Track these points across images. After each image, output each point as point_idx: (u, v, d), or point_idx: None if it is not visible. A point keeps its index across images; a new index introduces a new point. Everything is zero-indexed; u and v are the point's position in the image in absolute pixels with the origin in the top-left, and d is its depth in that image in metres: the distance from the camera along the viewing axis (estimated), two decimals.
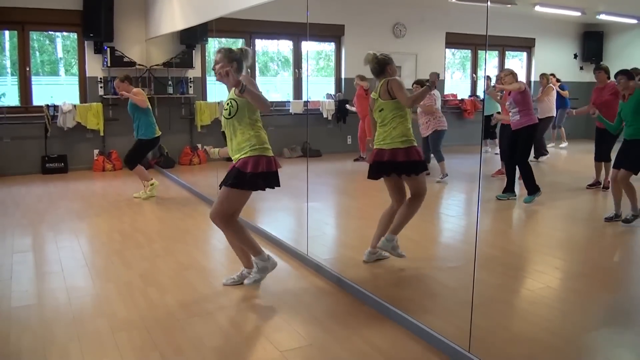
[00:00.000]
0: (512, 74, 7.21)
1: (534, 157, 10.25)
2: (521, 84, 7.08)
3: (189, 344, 3.38)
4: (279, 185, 4.00)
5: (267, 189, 3.99)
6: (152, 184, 7.21)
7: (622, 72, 6.23)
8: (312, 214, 5.83)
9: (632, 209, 6.10)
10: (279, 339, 3.48)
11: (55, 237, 5.66)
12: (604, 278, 4.77)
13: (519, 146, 7.10)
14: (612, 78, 7.94)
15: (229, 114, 3.88)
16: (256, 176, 3.83)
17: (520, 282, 4.64)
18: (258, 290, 4.19)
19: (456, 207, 7.32)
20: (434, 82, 4.57)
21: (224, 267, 4.90)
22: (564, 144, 12.38)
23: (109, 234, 5.76)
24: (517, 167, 7.15)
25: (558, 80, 11.74)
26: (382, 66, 4.61)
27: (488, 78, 11.46)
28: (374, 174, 4.65)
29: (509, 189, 7.26)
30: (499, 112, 8.90)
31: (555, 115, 10.79)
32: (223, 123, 4.00)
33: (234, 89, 3.78)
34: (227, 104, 3.89)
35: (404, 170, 4.52)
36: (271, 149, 3.98)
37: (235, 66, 3.90)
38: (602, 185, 7.93)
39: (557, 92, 11.03)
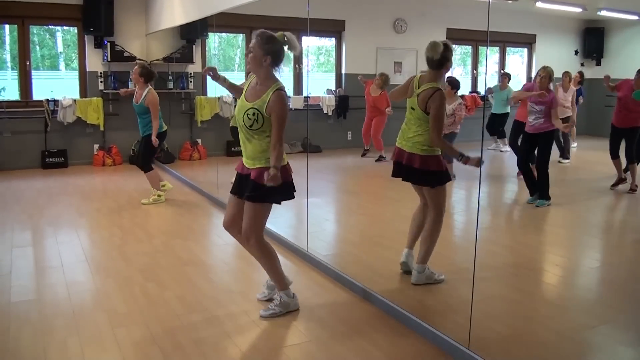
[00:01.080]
0: (549, 78, 6.76)
1: (562, 158, 10.09)
2: (549, 95, 6.68)
3: (188, 339, 3.38)
4: (293, 197, 3.68)
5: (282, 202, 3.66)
6: (159, 195, 6.98)
7: None
8: (312, 210, 5.83)
9: None
10: (278, 335, 3.48)
11: (55, 231, 5.66)
12: (605, 275, 4.78)
13: (540, 151, 6.88)
14: (613, 76, 7.93)
15: (250, 126, 3.49)
16: (274, 188, 3.42)
17: (521, 280, 4.63)
18: (258, 286, 4.18)
19: (459, 205, 7.31)
20: (470, 164, 4.00)
21: (224, 262, 4.90)
22: (574, 144, 12.25)
23: (108, 229, 5.75)
24: (536, 169, 6.90)
25: (581, 83, 10.79)
26: (442, 61, 4.08)
27: (505, 75, 11.31)
28: (395, 173, 4.36)
29: (543, 196, 6.91)
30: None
31: (571, 114, 10.58)
32: (239, 125, 3.58)
33: (264, 100, 3.45)
34: (253, 114, 3.46)
35: (418, 178, 4.22)
36: (286, 156, 3.66)
37: (269, 61, 3.46)
38: (629, 189, 7.71)
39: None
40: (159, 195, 6.89)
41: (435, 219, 4.27)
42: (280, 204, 3.63)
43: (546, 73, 6.73)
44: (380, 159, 10.05)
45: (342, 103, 11.46)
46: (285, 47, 3.54)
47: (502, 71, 12.31)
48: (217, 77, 3.86)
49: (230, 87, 3.95)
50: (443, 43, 4.07)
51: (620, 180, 7.88)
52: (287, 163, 3.65)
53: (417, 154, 4.16)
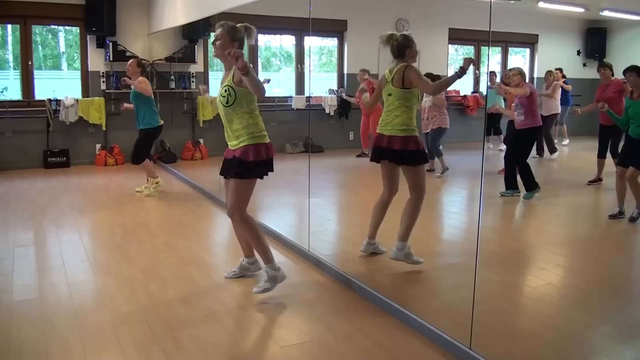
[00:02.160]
0: (521, 74, 7.20)
1: (537, 155, 10.23)
2: (527, 89, 7.00)
3: (190, 338, 3.38)
4: (272, 171, 3.92)
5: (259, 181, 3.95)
6: (157, 182, 7.12)
7: (632, 69, 6.12)
8: (314, 210, 5.83)
9: (637, 207, 6.09)
10: (279, 335, 3.48)
11: (57, 231, 5.66)
12: (606, 275, 4.76)
13: (520, 146, 7.12)
14: (617, 75, 7.97)
15: (227, 102, 3.77)
16: (258, 164, 3.79)
17: (522, 279, 4.63)
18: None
19: (458, 204, 7.32)
20: (465, 68, 4.23)
21: (226, 262, 4.89)
22: (566, 141, 12.38)
23: (110, 229, 5.76)
24: (516, 164, 7.15)
25: (564, 76, 11.68)
26: (401, 48, 4.45)
27: (492, 73, 11.43)
28: (373, 157, 4.66)
29: (511, 186, 7.26)
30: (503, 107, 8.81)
31: (560, 112, 10.75)
32: (219, 109, 3.89)
33: (231, 75, 3.74)
34: (225, 90, 3.77)
35: (398, 158, 4.45)
36: (267, 134, 3.91)
37: (237, 46, 3.78)
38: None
39: (562, 87, 10.96)
40: (157, 182, 7.03)
41: (417, 199, 4.50)
42: (262, 178, 3.89)
43: (515, 71, 7.25)
44: (362, 154, 10.11)
45: (344, 103, 11.46)
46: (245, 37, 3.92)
47: (489, 70, 12.47)
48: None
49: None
50: (402, 34, 4.50)
51: (598, 180, 8.08)
52: (270, 142, 3.91)
53: (397, 135, 4.42)
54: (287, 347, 3.31)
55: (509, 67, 13.18)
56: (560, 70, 11.77)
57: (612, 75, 7.92)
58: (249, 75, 3.47)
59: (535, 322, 3.79)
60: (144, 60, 9.26)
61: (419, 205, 4.51)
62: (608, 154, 7.98)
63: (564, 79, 11.61)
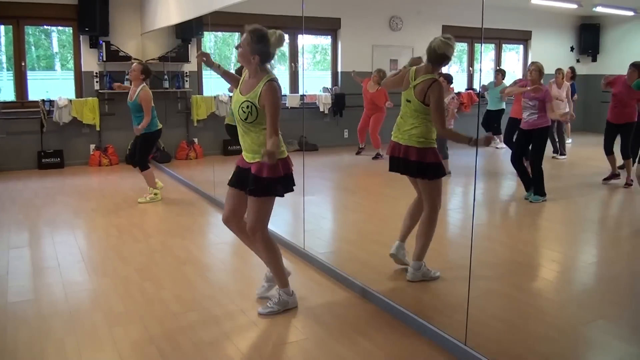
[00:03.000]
0: (540, 71, 6.80)
1: (560, 154, 10.15)
2: (542, 89, 6.74)
3: (186, 338, 3.38)
4: (294, 186, 3.71)
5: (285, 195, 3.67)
6: (155, 194, 6.99)
7: (635, 65, 6.02)
8: (309, 208, 5.81)
9: None
10: (275, 333, 3.48)
11: (52, 232, 5.65)
12: (602, 271, 4.79)
13: (534, 147, 6.90)
14: (615, 70, 7.89)
15: (246, 119, 3.51)
16: (274, 181, 3.53)
17: (518, 275, 4.64)
18: (254, 283, 4.18)
19: (456, 202, 7.32)
20: (481, 145, 3.90)
21: (221, 261, 4.90)
22: (569, 140, 12.30)
23: (105, 229, 5.75)
24: (530, 165, 6.96)
25: (573, 77, 11.04)
26: (443, 58, 4.10)
27: (499, 71, 11.30)
28: (391, 167, 4.40)
29: (537, 192, 6.95)
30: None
31: (568, 110, 10.64)
32: (236, 119, 3.61)
33: (256, 92, 3.46)
34: (247, 106, 3.48)
35: (415, 171, 4.20)
36: (285, 149, 3.69)
37: (258, 60, 3.48)
38: (625, 183, 7.78)
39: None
40: (155, 194, 6.91)
41: (430, 215, 4.26)
42: (282, 196, 3.64)
43: (535, 67, 6.80)
44: (377, 156, 10.05)
45: (339, 101, 11.46)
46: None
47: (497, 68, 12.30)
48: (211, 64, 3.92)
49: (225, 73, 4.00)
50: (445, 39, 4.09)
51: (614, 176, 7.95)
52: (287, 156, 3.67)
53: (413, 146, 4.16)
54: (283, 346, 3.32)
55: (502, 65, 13.24)
56: (571, 69, 11.44)
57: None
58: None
59: (531, 318, 3.81)
60: (136, 59, 9.26)
61: (433, 221, 4.27)
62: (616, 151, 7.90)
63: (572, 81, 11.27)
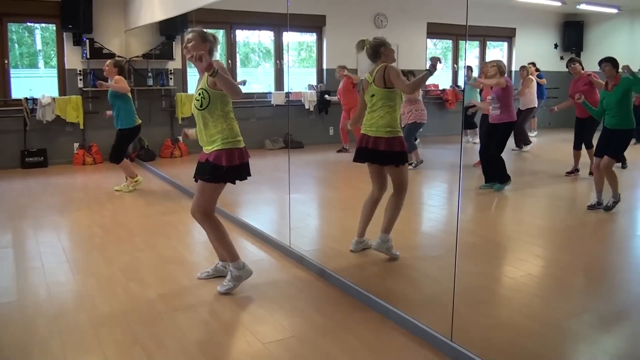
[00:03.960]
0: (498, 67, 7.23)
1: (516, 147, 10.39)
2: (502, 81, 7.09)
3: (171, 337, 3.36)
4: (250, 175, 3.98)
5: (237, 181, 3.96)
6: (136, 181, 7.10)
7: (608, 60, 6.19)
8: (295, 206, 5.81)
9: (612, 196, 6.20)
10: (261, 331, 3.47)
11: (36, 232, 5.61)
12: (585, 265, 4.83)
13: (495, 141, 7.23)
14: (592, 68, 8.09)
15: (201, 106, 3.76)
16: (231, 169, 3.80)
17: (502, 270, 4.67)
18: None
19: (437, 197, 7.36)
20: (435, 65, 4.40)
21: (207, 260, 4.87)
22: (535, 133, 12.60)
23: (89, 229, 5.71)
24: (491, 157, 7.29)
25: (537, 70, 11.84)
26: (375, 49, 4.54)
27: (469, 68, 11.53)
28: (357, 158, 4.72)
29: (490, 179, 7.34)
30: (479, 101, 8.91)
31: (537, 105, 10.86)
32: (194, 113, 3.88)
33: (205, 77, 3.72)
34: (199, 94, 3.77)
35: (384, 159, 4.53)
36: (242, 139, 3.92)
37: (207, 47, 3.80)
38: (589, 172, 7.95)
39: (536, 81, 11.09)
40: (135, 181, 7.02)
41: (400, 195, 4.64)
42: (234, 183, 3.92)
43: (494, 63, 7.30)
44: (342, 150, 10.13)
45: (324, 98, 11.45)
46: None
47: (466, 65, 12.58)
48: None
49: None
50: (362, 40, 4.61)
51: (575, 170, 8.25)
52: (244, 147, 3.91)
53: (382, 137, 4.48)
54: (269, 344, 3.32)
55: (487, 60, 13.33)
56: (534, 64, 11.87)
57: (582, 69, 8.05)
58: (218, 76, 3.51)
59: (515, 312, 3.84)
60: (120, 57, 9.20)
61: (401, 199, 4.64)
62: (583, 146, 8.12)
63: (538, 73, 11.75)
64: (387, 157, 4.51)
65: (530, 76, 10.53)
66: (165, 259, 4.78)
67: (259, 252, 4.93)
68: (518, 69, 11.18)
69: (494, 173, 7.32)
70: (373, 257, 4.66)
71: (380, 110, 4.49)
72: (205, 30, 3.88)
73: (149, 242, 5.25)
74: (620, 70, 6.37)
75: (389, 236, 4.62)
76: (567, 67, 8.18)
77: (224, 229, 4.04)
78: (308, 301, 3.93)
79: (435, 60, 4.38)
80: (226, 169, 3.77)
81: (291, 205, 5.44)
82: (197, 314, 3.71)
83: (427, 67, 4.39)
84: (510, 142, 9.76)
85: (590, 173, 7.86)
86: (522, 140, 10.55)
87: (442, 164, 8.73)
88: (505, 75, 7.26)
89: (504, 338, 3.41)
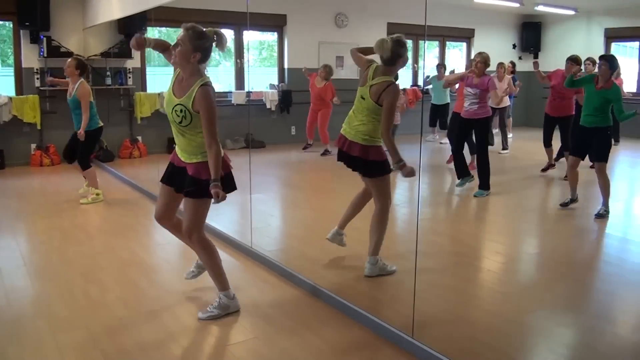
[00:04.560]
0: (485, 63, 6.91)
1: (502, 149, 10.43)
2: (485, 79, 6.86)
3: (132, 341, 3.33)
4: (236, 188, 3.63)
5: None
6: (97, 194, 6.87)
7: (606, 58, 6.02)
8: (256, 206, 5.81)
9: (603, 204, 6.11)
10: (223, 333, 3.46)
11: None
12: (545, 261, 4.93)
13: (477, 139, 7.11)
14: (544, 68, 8.24)
15: (180, 122, 3.41)
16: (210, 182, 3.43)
17: (462, 267, 4.73)
18: (201, 285, 4.15)
19: (401, 196, 7.41)
20: (404, 173, 4.05)
21: (167, 262, 4.84)
22: (510, 135, 12.61)
23: (47, 232, 5.61)
24: (476, 157, 7.18)
25: (513, 72, 11.69)
26: (395, 57, 4.11)
27: (441, 66, 11.58)
28: (339, 157, 4.43)
29: (465, 174, 7.30)
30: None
31: (510, 104, 10.96)
32: (170, 120, 3.51)
33: (191, 97, 3.34)
34: (180, 111, 3.37)
35: (356, 165, 4.29)
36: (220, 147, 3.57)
37: (198, 57, 3.39)
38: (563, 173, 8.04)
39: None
40: (97, 194, 6.79)
41: (381, 210, 4.31)
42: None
43: (482, 58, 6.90)
44: (325, 152, 10.10)
45: (285, 98, 11.45)
46: (214, 44, 3.52)
47: (438, 63, 12.58)
48: (144, 44, 3.69)
49: (157, 45, 3.75)
50: (395, 39, 4.11)
51: (550, 166, 8.31)
52: (225, 154, 3.56)
53: (357, 142, 4.21)
54: (232, 346, 3.31)
55: (446, 62, 13.47)
56: (513, 64, 11.90)
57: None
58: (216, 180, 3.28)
59: (476, 309, 3.91)
60: (79, 55, 9.05)
61: (384, 217, 4.32)
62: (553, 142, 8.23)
63: (512, 75, 11.73)
64: (359, 164, 4.25)
65: (507, 75, 10.52)
66: (125, 261, 4.73)
67: (220, 253, 4.87)
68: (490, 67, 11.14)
69: (466, 167, 7.28)
70: (336, 257, 4.68)
71: (364, 118, 4.19)
72: (202, 33, 3.43)
73: (108, 245, 5.18)
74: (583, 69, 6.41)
75: (377, 258, 4.33)
76: (566, 63, 8.01)
77: (218, 254, 3.74)
78: (270, 302, 3.93)
79: (409, 173, 4.05)
80: (206, 183, 3.38)
81: (253, 206, 5.43)
82: (158, 317, 3.67)
83: (401, 163, 4.04)
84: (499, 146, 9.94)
85: (565, 177, 7.94)
86: (504, 142, 10.57)
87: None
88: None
89: (464, 334, 3.47)
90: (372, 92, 4.14)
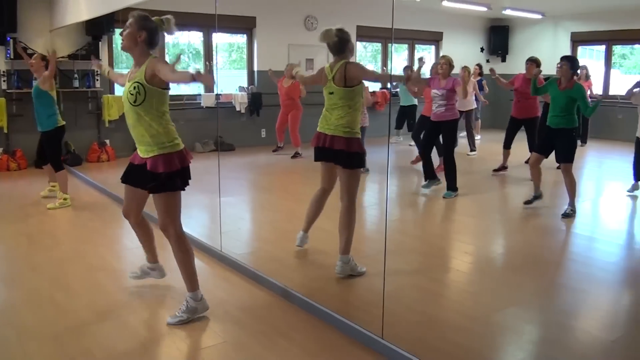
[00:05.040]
0: (450, 65, 7.06)
1: (470, 150, 10.55)
2: (450, 80, 6.99)
3: (100, 348, 3.30)
4: (190, 178, 3.67)
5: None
6: (65, 199, 6.80)
7: (567, 58, 6.16)
8: (226, 209, 5.79)
9: (570, 204, 6.24)
10: (193, 338, 3.45)
11: None
12: (513, 260, 5.01)
13: (444, 141, 7.19)
14: (511, 71, 8.41)
15: (135, 101, 3.42)
16: (172, 175, 3.50)
17: (431, 268, 4.78)
18: (171, 289, 4.13)
19: (370, 197, 7.45)
20: (408, 78, 4.47)
21: (136, 267, 4.78)
22: (478, 137, 12.78)
23: (14, 238, 5.52)
24: (443, 159, 7.31)
25: (481, 73, 11.98)
26: (343, 43, 4.30)
27: (408, 67, 11.65)
28: (317, 157, 4.54)
29: (432, 177, 7.39)
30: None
31: (476, 107, 11.10)
32: (126, 109, 3.54)
33: (142, 70, 3.42)
34: (133, 87, 3.42)
35: (338, 158, 4.36)
36: (180, 141, 3.63)
37: (145, 36, 3.48)
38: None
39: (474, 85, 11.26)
40: (65, 199, 6.71)
41: (349, 206, 4.38)
42: (183, 189, 3.63)
43: (446, 60, 7.05)
44: (295, 155, 10.11)
45: (255, 100, 11.42)
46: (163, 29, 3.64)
47: (405, 65, 12.65)
48: (100, 67, 3.99)
49: (115, 77, 4.03)
50: (337, 27, 4.31)
51: (503, 168, 8.51)
52: (184, 148, 3.64)
53: (340, 136, 4.32)
54: (201, 350, 3.30)
55: (414, 65, 13.55)
56: (480, 66, 12.10)
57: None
58: (197, 75, 3.24)
59: (445, 309, 3.96)
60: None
61: (352, 212, 4.39)
62: (513, 145, 8.43)
63: (480, 77, 11.95)
64: (342, 157, 4.33)
65: (472, 79, 10.66)
66: (93, 267, 4.68)
67: None
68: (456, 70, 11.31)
69: (434, 170, 7.37)
70: (306, 260, 4.70)
71: (340, 110, 4.30)
72: (147, 16, 3.59)
73: (76, 251, 5.12)
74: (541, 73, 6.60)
75: (349, 257, 4.38)
76: (526, 64, 8.18)
77: (193, 253, 3.75)
78: (240, 305, 3.92)
79: (408, 76, 4.47)
80: (165, 176, 3.46)
81: (222, 209, 5.41)
82: (126, 323, 3.65)
83: (407, 74, 4.43)
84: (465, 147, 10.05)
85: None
86: (471, 144, 10.70)
87: (373, 165, 8.82)
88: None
89: (434, 334, 3.51)
90: (336, 80, 4.29)
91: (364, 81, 4.39)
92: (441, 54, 14.17)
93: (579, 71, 9.48)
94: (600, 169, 10.09)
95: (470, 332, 3.55)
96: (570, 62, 6.13)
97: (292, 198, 7.57)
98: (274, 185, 8.46)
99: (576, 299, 4.18)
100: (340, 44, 4.31)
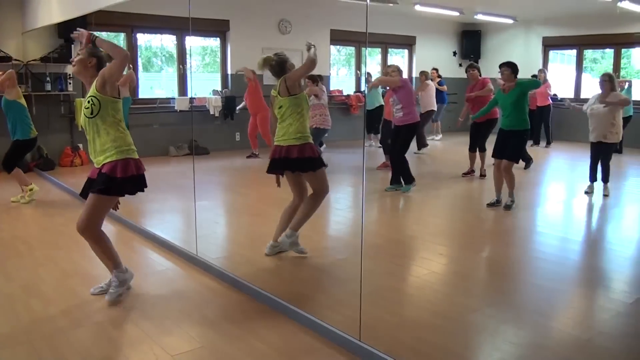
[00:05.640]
0: (398, 71, 7.42)
1: (417, 149, 10.77)
2: (396, 79, 7.29)
3: (76, 354, 3.26)
4: (146, 187, 3.95)
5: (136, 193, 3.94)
6: (31, 189, 6.83)
7: (507, 64, 6.53)
8: (201, 213, 5.77)
9: (509, 195, 6.59)
10: (169, 343, 3.43)
11: None
12: (485, 260, 5.07)
13: (399, 142, 7.47)
14: (489, 74, 8.63)
15: (91, 113, 3.70)
16: (126, 180, 3.74)
17: (407, 270, 4.82)
18: (146, 294, 4.11)
19: (343, 200, 7.48)
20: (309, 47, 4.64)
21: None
22: (439, 137, 13.17)
23: None
24: (391, 159, 7.68)
25: (439, 76, 12.38)
26: (282, 66, 4.69)
27: (369, 74, 11.90)
28: (271, 169, 4.79)
29: (396, 181, 7.59)
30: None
31: (435, 109, 11.38)
32: (84, 123, 3.81)
33: (94, 85, 3.69)
34: (88, 101, 3.70)
35: (297, 166, 4.63)
36: (135, 150, 3.89)
37: (94, 62, 3.81)
38: (479, 174, 8.67)
39: (436, 87, 11.67)
40: (30, 189, 6.80)
41: (319, 196, 4.76)
42: (134, 194, 3.90)
43: (395, 67, 7.47)
44: (252, 155, 10.16)
45: (229, 104, 11.39)
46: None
47: (365, 71, 12.91)
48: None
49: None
50: (268, 56, 4.73)
51: (471, 172, 8.73)
52: (138, 158, 3.88)
53: (293, 144, 4.60)
54: (178, 356, 3.28)
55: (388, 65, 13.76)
56: (436, 70, 12.48)
57: (480, 75, 8.51)
58: (98, 40, 3.66)
59: (420, 309, 3.99)
60: (17, 60, 8.84)
61: (318, 202, 4.77)
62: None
63: (439, 79, 12.30)
64: (300, 163, 4.61)
65: (427, 81, 11.01)
66: (67, 273, 4.63)
67: (165, 262, 4.86)
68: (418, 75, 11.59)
69: (399, 175, 7.57)
70: (282, 263, 4.70)
71: (289, 119, 4.61)
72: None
73: (49, 256, 5.05)
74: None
75: (296, 233, 4.75)
76: (466, 72, 8.58)
77: (108, 239, 4.01)
78: (216, 310, 3.91)
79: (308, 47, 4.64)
80: (121, 180, 3.71)
81: (197, 213, 5.39)
82: (102, 328, 3.62)
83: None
84: (413, 145, 10.13)
85: (482, 175, 8.55)
86: (422, 143, 10.94)
87: (347, 168, 8.88)
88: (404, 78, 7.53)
89: (410, 335, 3.54)
90: (282, 93, 4.61)
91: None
92: (418, 59, 14.39)
93: (536, 73, 10.49)
94: (564, 169, 10.42)
95: (446, 332, 3.58)
96: (510, 68, 6.52)
97: (266, 201, 7.56)
98: (249, 188, 8.44)
99: (548, 298, 4.23)
100: (279, 66, 4.69)
